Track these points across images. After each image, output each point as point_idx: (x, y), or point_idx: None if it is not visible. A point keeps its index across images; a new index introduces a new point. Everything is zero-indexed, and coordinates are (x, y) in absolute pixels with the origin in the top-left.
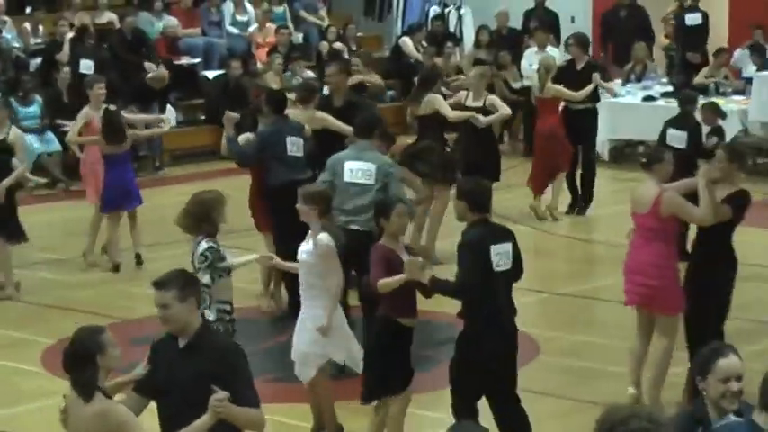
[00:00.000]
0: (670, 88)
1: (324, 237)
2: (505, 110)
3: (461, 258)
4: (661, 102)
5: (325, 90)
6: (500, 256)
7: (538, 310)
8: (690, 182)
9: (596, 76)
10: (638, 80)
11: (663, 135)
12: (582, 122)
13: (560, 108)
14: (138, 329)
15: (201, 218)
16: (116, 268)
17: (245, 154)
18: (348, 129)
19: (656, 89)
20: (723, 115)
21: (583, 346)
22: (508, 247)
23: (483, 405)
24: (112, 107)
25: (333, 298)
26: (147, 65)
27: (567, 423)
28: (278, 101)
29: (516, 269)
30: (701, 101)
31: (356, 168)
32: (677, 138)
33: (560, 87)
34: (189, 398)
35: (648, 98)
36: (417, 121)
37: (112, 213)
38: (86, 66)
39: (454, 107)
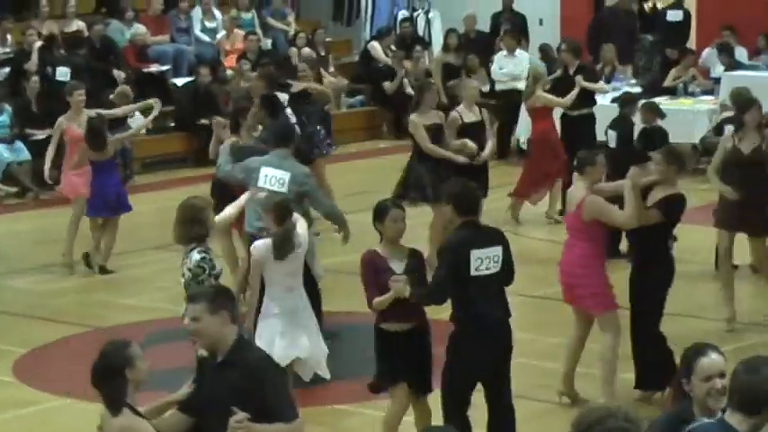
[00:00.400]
0: (639, 89)
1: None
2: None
3: (439, 262)
4: None
5: None
6: (482, 260)
7: (514, 313)
8: (619, 183)
9: (579, 78)
10: (608, 81)
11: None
12: (579, 128)
13: (555, 115)
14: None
15: (193, 220)
16: (102, 270)
17: (230, 173)
18: None
19: (625, 90)
20: (662, 115)
21: (558, 348)
22: (497, 250)
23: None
24: (92, 113)
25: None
26: (115, 73)
27: (543, 425)
28: (273, 104)
29: (507, 273)
30: (642, 101)
31: (271, 175)
32: (612, 137)
33: (548, 95)
34: (224, 416)
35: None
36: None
37: (95, 218)
38: (63, 73)
39: (450, 124)
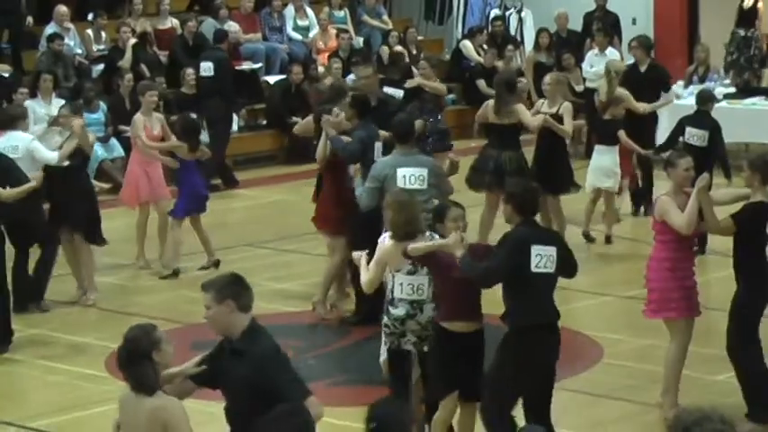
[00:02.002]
0: (733, 89)
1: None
2: (568, 129)
3: (498, 249)
4: (724, 103)
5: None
6: (541, 257)
7: (600, 312)
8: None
9: (669, 95)
10: (701, 81)
11: (679, 131)
12: (641, 125)
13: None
14: (200, 334)
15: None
16: (175, 274)
17: (354, 153)
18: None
19: (719, 91)
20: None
21: (647, 349)
22: (552, 250)
23: None
24: (193, 115)
25: None
26: None
27: (632, 426)
28: (363, 104)
29: (565, 271)
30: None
31: (410, 174)
32: (700, 136)
33: (629, 95)
34: (236, 401)
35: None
36: (491, 128)
37: (181, 219)
38: (206, 68)
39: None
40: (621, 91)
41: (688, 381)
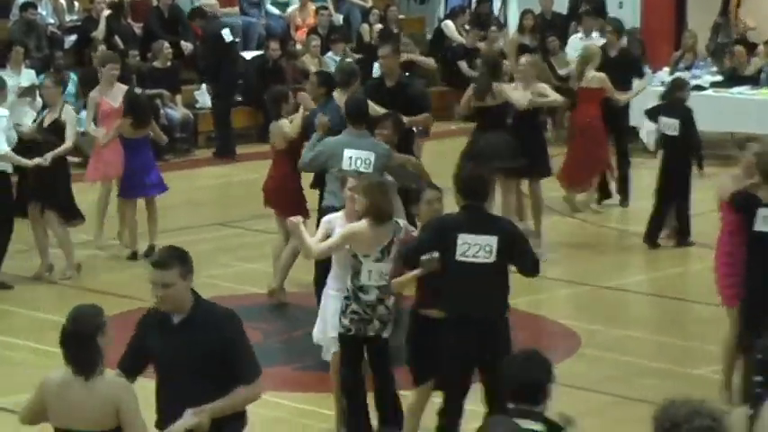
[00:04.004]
0: (719, 78)
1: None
2: (557, 97)
3: (420, 232)
4: (710, 92)
5: (375, 71)
6: (469, 246)
7: (577, 302)
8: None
9: (643, 82)
10: (688, 69)
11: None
12: (616, 110)
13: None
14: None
15: None
16: (134, 256)
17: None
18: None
19: (706, 79)
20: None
21: (624, 340)
22: (489, 240)
23: None
24: (137, 90)
25: None
26: (182, 44)
27: (606, 418)
28: (330, 82)
29: (519, 264)
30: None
31: (356, 156)
32: (670, 126)
33: (606, 79)
34: (188, 374)
35: (697, 87)
36: (477, 111)
37: (130, 200)
38: (227, 33)
39: None
40: (600, 76)
41: (670, 374)
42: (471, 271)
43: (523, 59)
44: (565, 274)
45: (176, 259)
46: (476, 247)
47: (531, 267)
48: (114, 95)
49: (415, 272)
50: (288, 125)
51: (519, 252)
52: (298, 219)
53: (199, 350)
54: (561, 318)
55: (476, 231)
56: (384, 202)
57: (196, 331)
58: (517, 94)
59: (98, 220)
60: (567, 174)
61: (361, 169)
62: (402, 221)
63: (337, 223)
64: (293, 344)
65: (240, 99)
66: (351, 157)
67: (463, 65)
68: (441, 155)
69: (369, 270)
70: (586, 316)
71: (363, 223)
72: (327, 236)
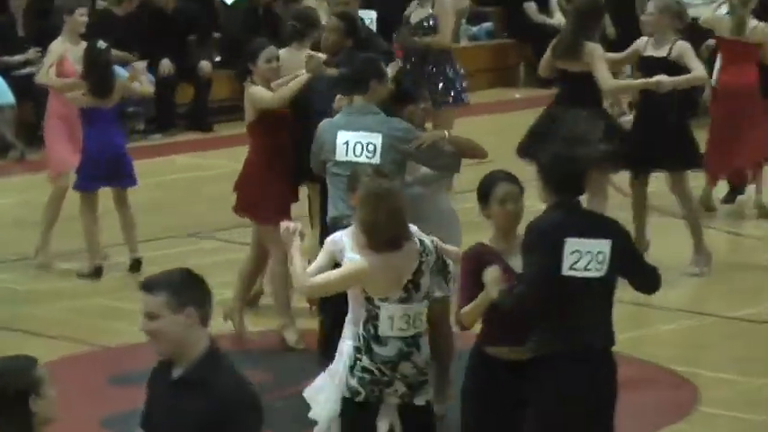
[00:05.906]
0: None
1: None
2: (699, 71)
3: (527, 253)
4: None
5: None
6: (582, 255)
7: (695, 340)
8: None
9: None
10: None
11: None
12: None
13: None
14: (122, 363)
15: None
16: (97, 273)
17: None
18: None
19: None
20: None
21: (762, 392)
22: (603, 245)
23: None
24: (102, 43)
25: None
26: None
27: None
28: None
29: (635, 279)
30: None
31: (354, 141)
32: None
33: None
34: None
35: None
36: (561, 75)
37: (89, 194)
38: None
39: (626, 60)
40: (763, 27)
41: None
42: (583, 290)
43: (651, 5)
44: (680, 301)
45: (165, 284)
46: (587, 257)
47: (653, 283)
48: (78, 55)
49: (488, 295)
50: (264, 90)
51: (636, 262)
52: (296, 225)
53: (193, 422)
54: (670, 362)
55: (585, 234)
56: (391, 220)
57: (194, 396)
58: (605, 70)
59: (45, 227)
60: (709, 160)
61: (363, 160)
62: (429, 238)
63: (346, 245)
64: (297, 403)
65: (219, 59)
66: (346, 143)
67: (532, 7)
68: (506, 132)
69: (389, 317)
70: (707, 359)
71: (368, 257)
72: (333, 263)
